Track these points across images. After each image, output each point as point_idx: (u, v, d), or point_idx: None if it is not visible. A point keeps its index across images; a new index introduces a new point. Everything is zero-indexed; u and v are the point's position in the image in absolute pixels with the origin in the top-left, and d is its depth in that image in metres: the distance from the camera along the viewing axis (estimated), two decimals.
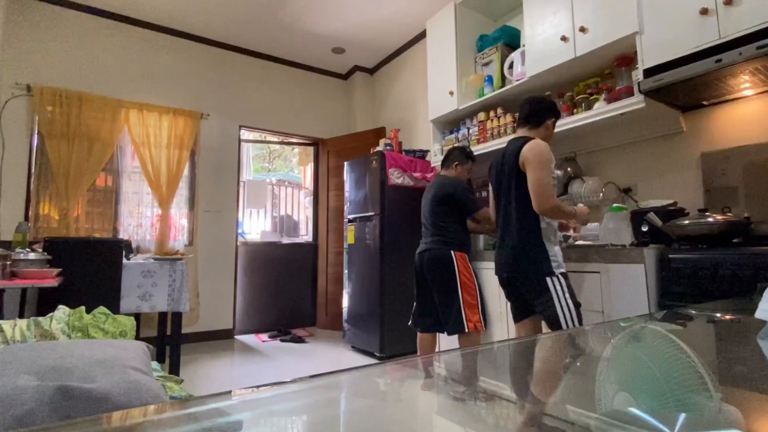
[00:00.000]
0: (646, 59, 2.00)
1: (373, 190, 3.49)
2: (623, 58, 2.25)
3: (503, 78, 2.94)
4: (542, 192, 1.79)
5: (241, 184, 4.71)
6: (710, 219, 1.76)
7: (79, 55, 3.70)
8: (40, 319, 1.21)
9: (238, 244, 4.42)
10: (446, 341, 2.72)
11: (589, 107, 2.35)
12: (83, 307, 1.29)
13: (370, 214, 3.48)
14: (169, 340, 3.03)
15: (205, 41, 4.32)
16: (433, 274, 2.46)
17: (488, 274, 2.50)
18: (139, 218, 3.84)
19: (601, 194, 2.48)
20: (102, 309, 1.33)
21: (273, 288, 4.72)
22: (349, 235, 3.75)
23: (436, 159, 3.40)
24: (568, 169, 2.65)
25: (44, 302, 2.32)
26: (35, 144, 3.48)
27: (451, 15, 3.27)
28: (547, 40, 2.49)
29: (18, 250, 2.20)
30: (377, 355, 3.34)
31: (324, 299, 4.67)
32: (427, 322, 2.54)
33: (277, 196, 5.98)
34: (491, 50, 3.08)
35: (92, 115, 3.63)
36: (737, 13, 1.69)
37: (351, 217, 3.75)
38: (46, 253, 2.27)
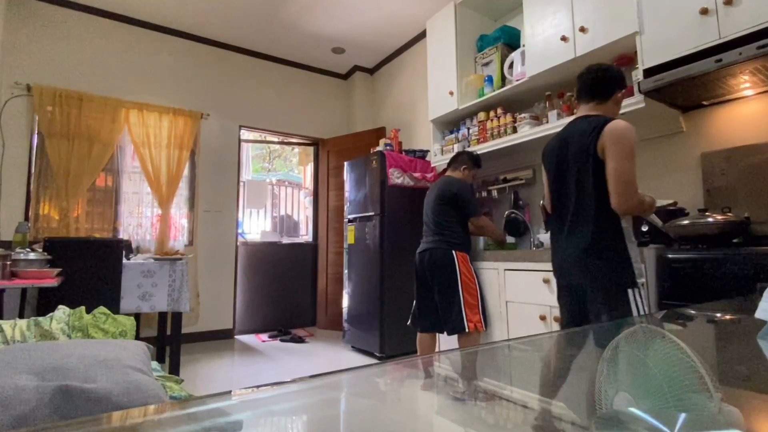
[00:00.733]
0: (646, 59, 2.00)
1: (373, 190, 3.49)
2: (623, 58, 2.25)
3: (503, 78, 2.94)
4: (627, 188, 1.48)
5: (241, 184, 4.71)
6: (710, 219, 1.76)
7: (79, 55, 3.70)
8: (40, 319, 1.21)
9: (238, 244, 4.42)
10: (446, 341, 2.71)
11: None
12: (83, 307, 1.30)
13: (370, 214, 3.48)
14: (169, 340, 3.03)
15: (205, 41, 4.32)
16: (434, 273, 2.46)
17: (489, 273, 2.50)
18: (139, 218, 3.84)
19: None
20: (102, 309, 1.34)
21: (273, 288, 4.72)
22: (349, 235, 3.75)
23: (436, 159, 3.40)
24: None
25: (44, 302, 2.32)
26: (35, 144, 3.48)
27: (451, 15, 3.27)
28: (547, 40, 2.49)
29: (18, 250, 2.20)
30: (377, 355, 3.34)
31: (324, 299, 4.67)
32: (426, 322, 2.54)
33: (277, 196, 5.98)
34: (491, 50, 3.08)
35: (92, 115, 3.63)
36: (737, 13, 1.69)
37: (351, 217, 3.75)
38: (46, 253, 2.27)
